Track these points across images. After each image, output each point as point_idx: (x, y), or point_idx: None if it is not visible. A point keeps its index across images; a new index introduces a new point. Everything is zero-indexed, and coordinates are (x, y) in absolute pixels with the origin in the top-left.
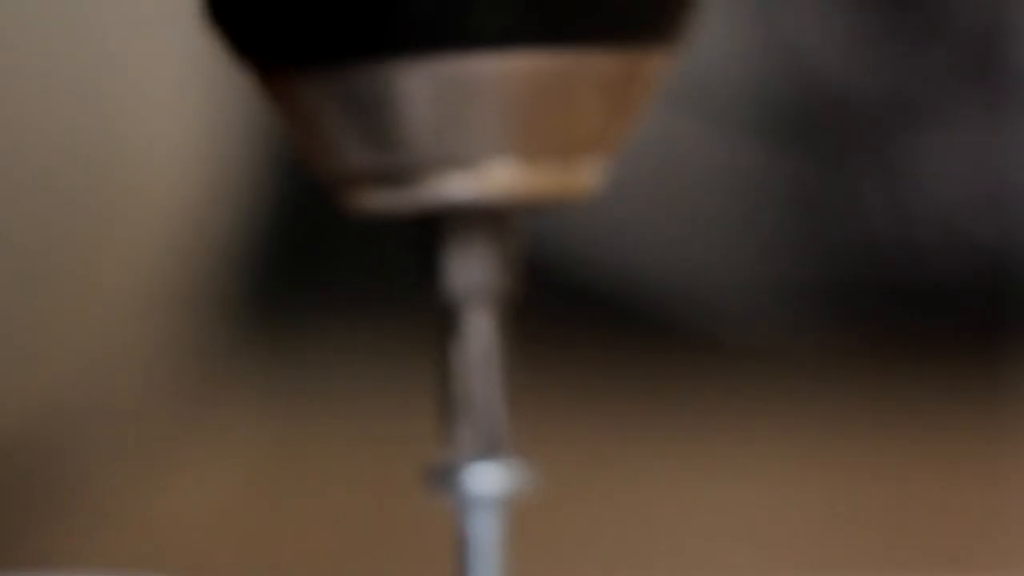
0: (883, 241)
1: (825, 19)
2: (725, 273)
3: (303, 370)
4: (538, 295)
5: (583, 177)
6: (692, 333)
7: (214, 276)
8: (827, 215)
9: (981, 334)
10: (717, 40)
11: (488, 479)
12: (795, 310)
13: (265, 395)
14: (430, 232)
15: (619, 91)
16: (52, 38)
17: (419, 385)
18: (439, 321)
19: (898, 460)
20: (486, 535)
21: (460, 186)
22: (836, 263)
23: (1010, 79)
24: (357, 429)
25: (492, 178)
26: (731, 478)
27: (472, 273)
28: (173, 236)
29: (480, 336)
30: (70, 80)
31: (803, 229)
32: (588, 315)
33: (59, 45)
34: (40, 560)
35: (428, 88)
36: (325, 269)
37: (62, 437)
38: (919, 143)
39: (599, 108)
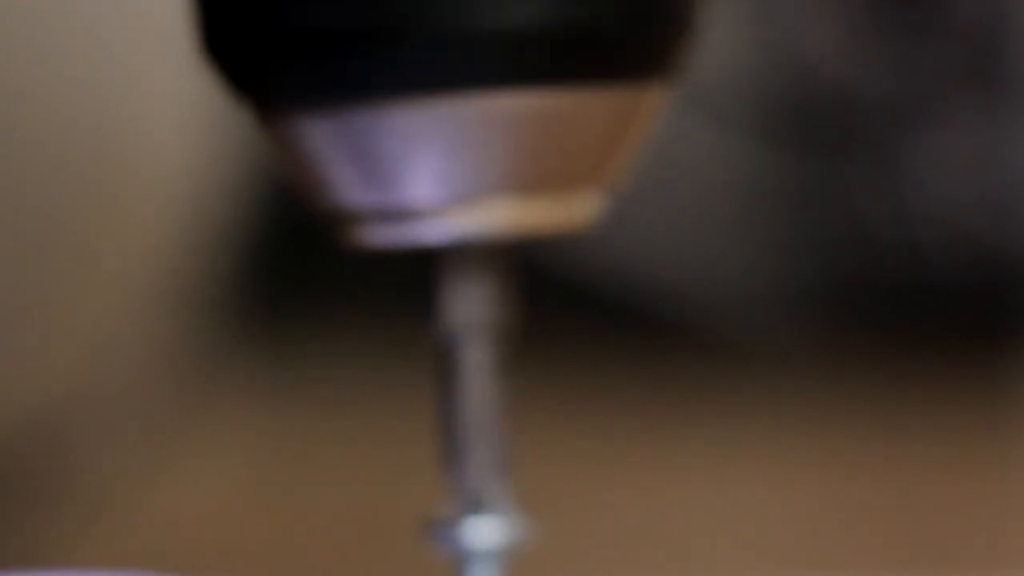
0: (883, 241)
1: (825, 19)
2: (725, 273)
3: (301, 368)
4: (537, 295)
5: (581, 210)
6: (692, 333)
7: (213, 273)
8: (827, 215)
9: (981, 334)
10: (717, 40)
11: (486, 533)
12: (795, 310)
13: (263, 393)
14: (428, 268)
15: (617, 127)
16: (51, 35)
17: (418, 384)
18: (438, 357)
19: (898, 460)
20: None
21: (458, 222)
22: (836, 263)
23: (1010, 79)
24: (355, 427)
25: (490, 214)
26: (731, 478)
27: (471, 309)
28: (173, 233)
29: (480, 372)
30: (69, 77)
31: (803, 229)
32: (587, 315)
33: (58, 42)
34: (36, 556)
35: (426, 127)
36: (325, 267)
37: (59, 434)
38: (919, 143)
39: (597, 144)
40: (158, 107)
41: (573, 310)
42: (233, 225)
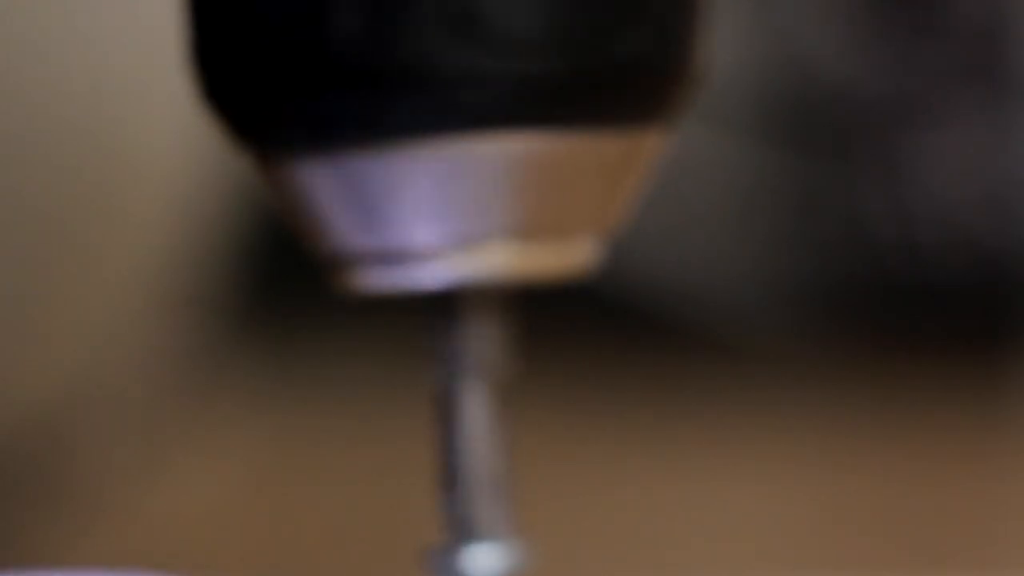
0: (883, 241)
1: (825, 19)
2: (725, 273)
3: (302, 368)
4: (536, 295)
5: (580, 256)
6: (692, 333)
7: (214, 274)
8: (827, 215)
9: (981, 334)
10: (717, 40)
11: (485, 562)
12: (795, 310)
13: (264, 393)
14: (428, 311)
15: (617, 170)
16: (53, 40)
17: (418, 384)
18: (437, 399)
19: (898, 460)
20: None
21: (457, 267)
22: (836, 263)
23: (1010, 79)
24: (356, 428)
25: (489, 258)
26: (731, 478)
27: (469, 352)
28: (173, 233)
29: (478, 415)
30: (70, 80)
31: (803, 229)
32: (587, 314)
33: (60, 46)
34: (36, 555)
35: (425, 170)
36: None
37: (60, 434)
38: (919, 143)
39: (597, 188)
40: (159, 108)
41: (572, 310)
42: (234, 226)
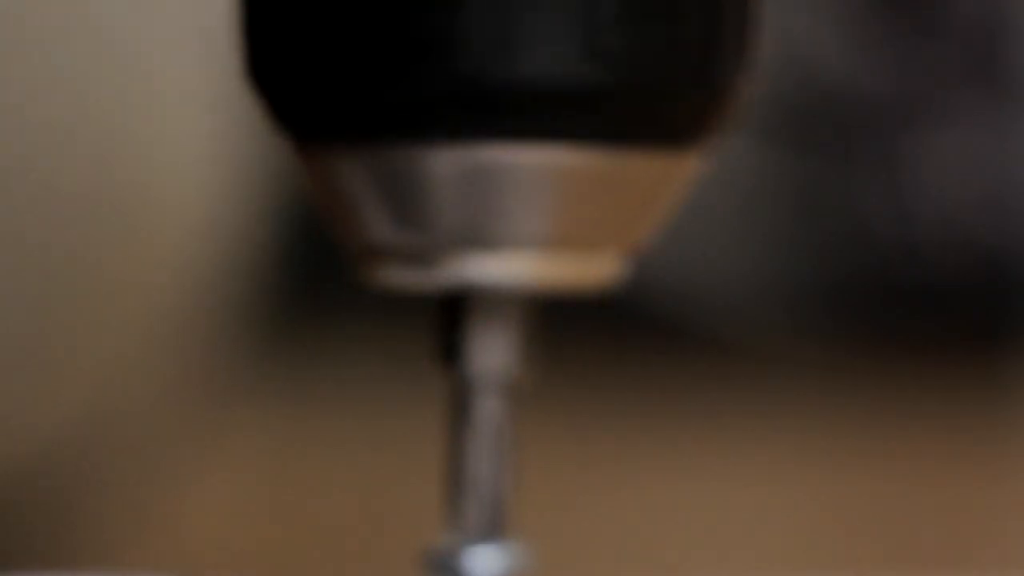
0: (883, 241)
1: (826, 19)
2: (725, 273)
3: (317, 377)
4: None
5: (603, 271)
6: (693, 333)
7: (230, 285)
8: (828, 215)
9: (981, 334)
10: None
11: (488, 562)
12: (795, 310)
13: (280, 402)
14: (448, 313)
15: (649, 189)
16: (73, 63)
17: (430, 391)
18: (451, 400)
19: (898, 460)
20: None
21: (481, 270)
22: (836, 263)
23: (1010, 79)
24: (370, 435)
25: (514, 265)
26: (731, 478)
27: (487, 357)
28: (190, 246)
29: (490, 420)
30: (90, 94)
31: (804, 229)
32: (587, 314)
33: (78, 69)
34: (60, 566)
35: (459, 173)
36: (339, 277)
37: (78, 445)
38: (919, 143)
39: (627, 205)
40: (174, 127)
41: (572, 310)
42: (251, 246)
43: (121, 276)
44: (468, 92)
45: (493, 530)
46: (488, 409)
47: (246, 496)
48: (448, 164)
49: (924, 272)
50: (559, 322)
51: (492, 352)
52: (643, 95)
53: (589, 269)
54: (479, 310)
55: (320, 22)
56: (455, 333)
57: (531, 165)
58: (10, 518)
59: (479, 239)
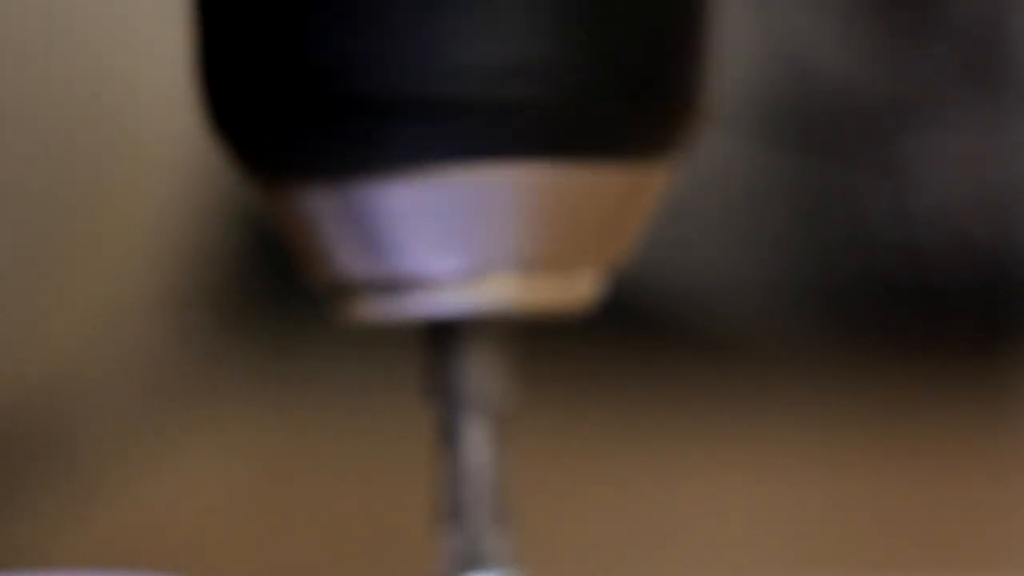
0: (883, 241)
1: (825, 19)
2: (725, 273)
3: (302, 367)
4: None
5: (581, 290)
6: (692, 333)
7: (217, 264)
8: (827, 215)
9: (981, 334)
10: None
11: None
12: (795, 310)
13: (263, 392)
14: (426, 343)
15: (622, 204)
16: (51, 36)
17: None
18: (436, 427)
19: (898, 460)
20: None
21: (457, 298)
22: (836, 263)
23: (1010, 79)
24: (356, 427)
25: (490, 290)
26: (731, 478)
27: (469, 383)
28: (176, 223)
29: (475, 446)
30: (71, 73)
31: (803, 229)
32: (587, 316)
33: (58, 43)
34: (31, 539)
35: (427, 199)
36: None
37: (57, 423)
38: (919, 143)
39: (601, 220)
40: (156, 112)
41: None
42: (237, 220)
43: (100, 248)
44: (432, 115)
45: (480, 558)
46: (473, 436)
47: (225, 480)
48: (414, 193)
49: (924, 272)
50: (558, 323)
51: (474, 378)
52: (609, 110)
53: (567, 289)
54: (458, 337)
55: (273, 62)
56: (434, 362)
57: (498, 185)
58: None
59: (454, 266)
